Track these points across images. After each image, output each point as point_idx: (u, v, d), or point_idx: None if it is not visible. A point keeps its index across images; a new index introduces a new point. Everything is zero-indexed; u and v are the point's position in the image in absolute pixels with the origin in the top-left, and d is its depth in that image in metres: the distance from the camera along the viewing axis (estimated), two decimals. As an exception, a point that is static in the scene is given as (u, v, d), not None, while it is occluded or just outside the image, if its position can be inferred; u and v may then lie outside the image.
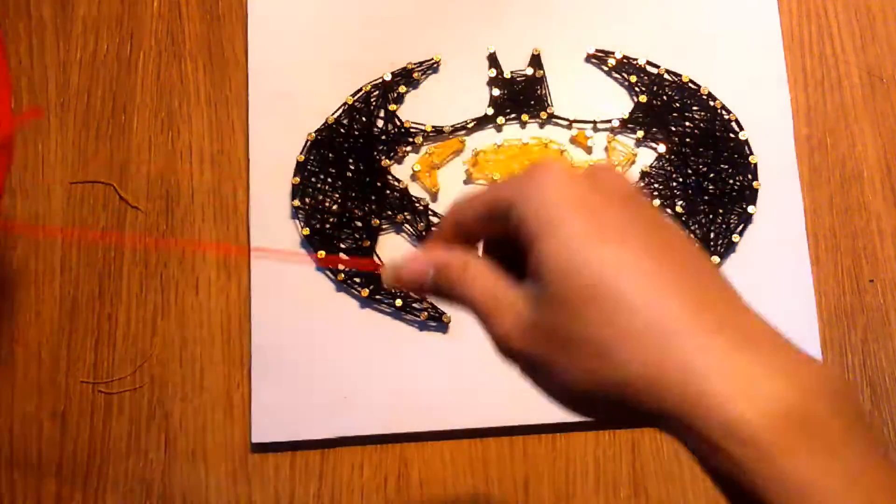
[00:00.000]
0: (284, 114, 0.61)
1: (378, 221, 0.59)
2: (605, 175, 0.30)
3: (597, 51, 0.62)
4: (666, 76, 0.61)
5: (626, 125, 0.60)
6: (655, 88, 0.61)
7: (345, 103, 0.61)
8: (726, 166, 0.60)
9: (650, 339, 0.26)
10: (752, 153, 0.60)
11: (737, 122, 0.60)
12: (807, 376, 0.26)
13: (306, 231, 0.59)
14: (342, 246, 0.59)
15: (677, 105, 0.61)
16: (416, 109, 0.61)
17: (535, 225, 0.29)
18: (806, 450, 0.24)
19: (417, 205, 0.59)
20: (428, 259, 0.33)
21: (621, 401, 0.27)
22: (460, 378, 0.57)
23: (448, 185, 0.60)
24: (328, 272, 0.58)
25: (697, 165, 0.60)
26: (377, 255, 0.59)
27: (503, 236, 0.32)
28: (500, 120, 0.60)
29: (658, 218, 0.30)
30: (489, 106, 0.61)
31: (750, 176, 0.59)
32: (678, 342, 0.26)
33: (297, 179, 0.59)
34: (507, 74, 0.61)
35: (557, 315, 0.28)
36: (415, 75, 0.61)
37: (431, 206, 0.60)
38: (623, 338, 0.27)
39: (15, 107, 0.62)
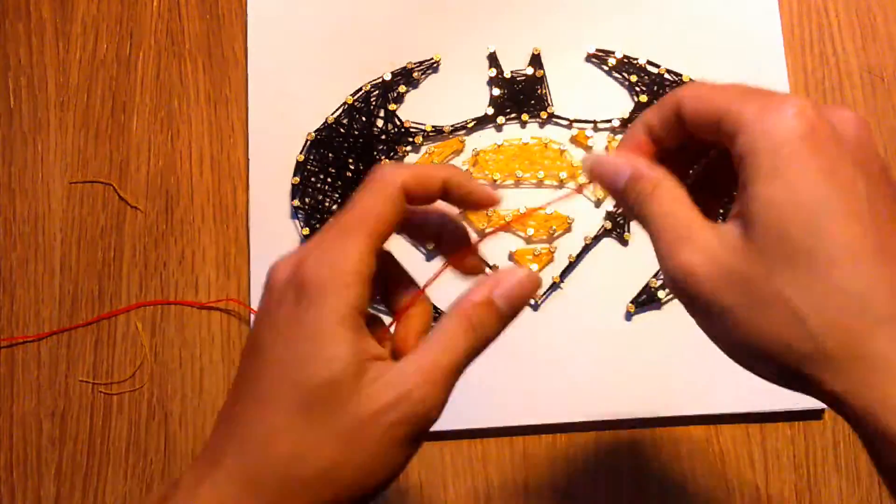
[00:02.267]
0: (284, 114, 0.61)
1: (378, 221, 0.59)
2: (848, 126, 0.28)
3: (597, 51, 0.62)
4: (666, 76, 0.61)
5: (627, 125, 0.60)
6: (656, 88, 0.61)
7: (345, 103, 0.61)
8: (726, 166, 0.60)
9: (853, 319, 0.26)
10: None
11: (737, 121, 0.60)
12: None
13: (306, 231, 0.59)
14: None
15: (677, 105, 0.61)
16: (416, 109, 0.61)
17: (769, 164, 0.27)
18: None
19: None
20: (625, 163, 0.31)
21: (799, 370, 0.27)
22: (460, 378, 0.57)
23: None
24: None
25: (698, 165, 0.60)
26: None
27: (695, 153, 0.31)
28: (500, 120, 0.60)
29: (889, 184, 0.28)
30: (489, 106, 0.61)
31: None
32: (881, 332, 0.26)
33: (297, 179, 0.59)
34: (507, 74, 0.61)
35: (762, 266, 0.27)
36: (415, 75, 0.61)
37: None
38: (826, 310, 0.26)
39: (14, 106, 0.62)
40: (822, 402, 0.27)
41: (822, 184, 0.26)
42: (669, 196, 0.30)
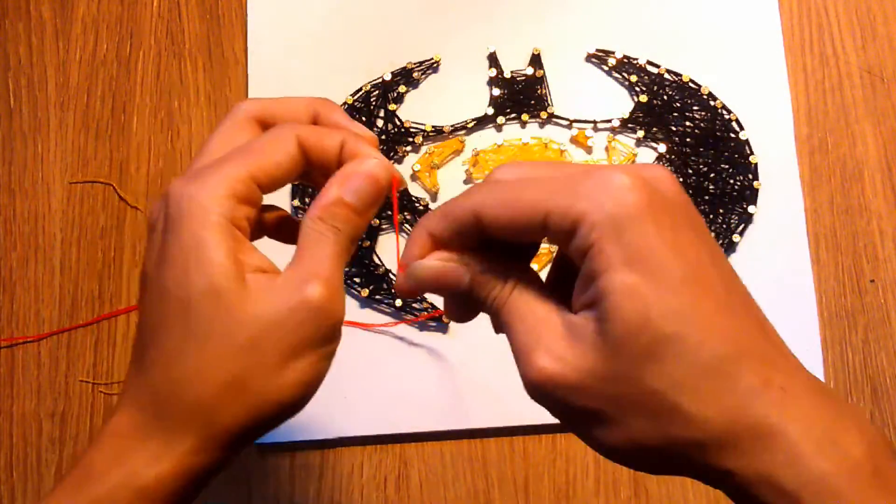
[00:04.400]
0: (284, 114, 0.61)
1: (378, 221, 0.59)
2: (667, 185, 0.27)
3: (597, 51, 0.62)
4: (666, 76, 0.61)
5: (627, 125, 0.60)
6: (656, 88, 0.61)
7: (345, 103, 0.61)
8: (727, 166, 0.60)
9: (732, 399, 0.25)
10: (752, 153, 0.60)
11: (737, 121, 0.60)
12: (866, 425, 0.26)
13: (306, 231, 0.58)
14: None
15: (678, 105, 0.61)
16: (416, 109, 0.61)
17: (619, 251, 0.25)
18: (883, 498, 0.24)
19: (417, 205, 0.59)
20: (464, 263, 0.29)
21: (688, 458, 0.26)
22: (460, 378, 0.57)
23: (448, 185, 0.60)
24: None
25: (698, 165, 0.60)
26: (377, 256, 0.59)
27: (521, 243, 0.29)
28: (500, 120, 0.60)
29: (712, 241, 0.28)
30: (489, 106, 0.61)
31: (750, 176, 0.59)
32: (759, 402, 0.25)
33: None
34: (507, 74, 0.61)
35: (626, 363, 0.25)
36: (415, 75, 0.61)
37: (431, 206, 0.60)
38: (704, 397, 0.25)
39: (14, 106, 0.62)
40: (710, 482, 0.26)
41: (673, 260, 0.25)
42: (523, 300, 0.28)
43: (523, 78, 0.61)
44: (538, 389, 0.27)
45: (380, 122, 0.61)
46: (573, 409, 0.27)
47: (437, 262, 0.29)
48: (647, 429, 0.26)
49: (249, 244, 0.30)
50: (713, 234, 0.59)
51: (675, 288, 0.25)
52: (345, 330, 0.57)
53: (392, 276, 0.58)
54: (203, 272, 0.28)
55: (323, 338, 0.30)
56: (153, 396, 0.29)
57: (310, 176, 0.33)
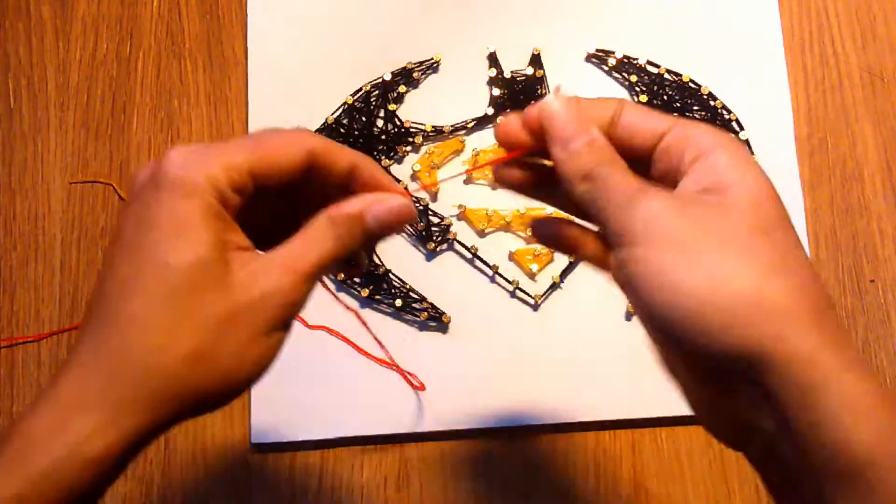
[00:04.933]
0: (284, 114, 0.61)
1: (378, 221, 0.59)
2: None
3: (597, 51, 0.62)
4: (666, 76, 0.61)
5: (627, 125, 0.60)
6: (656, 88, 0.61)
7: (345, 103, 0.61)
8: (726, 166, 0.60)
9: (816, 291, 0.28)
10: (752, 153, 0.60)
11: (737, 121, 0.60)
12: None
13: (306, 231, 0.58)
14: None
15: (678, 105, 0.61)
16: (416, 109, 0.61)
17: (735, 162, 0.30)
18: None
19: (417, 205, 0.59)
20: (591, 127, 0.32)
21: (755, 327, 0.27)
22: (460, 378, 0.57)
23: (448, 185, 0.60)
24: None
25: (698, 165, 0.60)
26: (377, 256, 0.59)
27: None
28: (500, 120, 0.60)
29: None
30: (489, 106, 0.61)
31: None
32: (830, 314, 0.28)
33: (297, 179, 0.59)
34: (507, 74, 0.61)
35: (730, 222, 0.29)
36: (415, 75, 0.61)
37: (431, 206, 0.60)
38: (795, 274, 0.28)
39: (14, 106, 0.62)
40: (760, 370, 0.27)
41: (777, 196, 0.31)
42: (627, 168, 0.31)
43: (523, 78, 0.61)
44: (643, 222, 0.29)
45: (380, 122, 0.61)
46: (673, 239, 0.29)
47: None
48: (742, 275, 0.28)
49: (235, 225, 0.31)
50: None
51: (777, 198, 0.31)
52: (345, 330, 0.57)
53: (392, 276, 0.58)
54: (191, 244, 0.29)
55: (285, 325, 0.31)
56: (111, 361, 0.28)
57: (308, 184, 0.33)
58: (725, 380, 0.29)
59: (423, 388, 0.56)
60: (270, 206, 0.33)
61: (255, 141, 0.31)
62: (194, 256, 0.29)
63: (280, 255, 0.31)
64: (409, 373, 0.57)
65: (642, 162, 0.33)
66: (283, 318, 0.30)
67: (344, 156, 0.32)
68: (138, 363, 0.28)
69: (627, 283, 0.30)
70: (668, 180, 0.32)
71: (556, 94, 0.32)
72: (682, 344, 0.29)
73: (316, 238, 0.31)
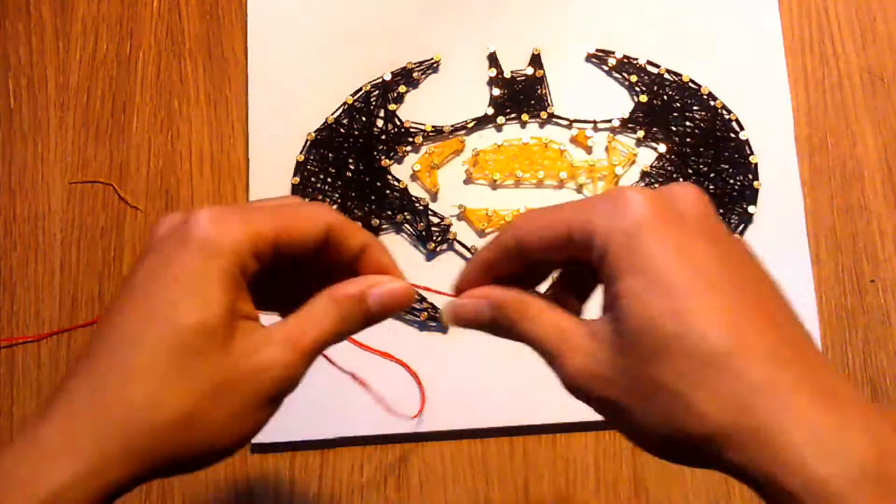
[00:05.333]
0: (284, 114, 0.61)
1: (378, 221, 0.59)
2: (686, 201, 0.29)
3: (597, 51, 0.62)
4: (666, 76, 0.61)
5: (627, 125, 0.60)
6: (656, 88, 0.61)
7: (345, 103, 0.61)
8: (727, 166, 0.60)
9: (734, 395, 0.26)
10: (752, 153, 0.60)
11: (737, 121, 0.60)
12: (880, 432, 0.26)
13: (306, 231, 0.58)
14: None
15: (678, 105, 0.61)
16: (416, 109, 0.61)
17: (624, 259, 0.28)
18: None
19: (417, 205, 0.59)
20: (481, 298, 0.33)
21: (701, 451, 0.27)
22: (460, 378, 0.57)
23: (448, 185, 0.60)
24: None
25: (698, 165, 0.60)
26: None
27: (559, 262, 0.32)
28: (500, 120, 0.60)
29: (738, 250, 0.29)
30: (489, 106, 0.61)
31: (750, 176, 0.59)
32: (762, 400, 0.26)
33: (297, 179, 0.59)
34: (507, 74, 0.61)
35: (637, 360, 0.27)
36: (415, 75, 0.61)
37: (431, 206, 0.60)
38: (706, 392, 0.26)
39: (14, 106, 0.62)
40: (733, 475, 0.27)
41: (675, 265, 0.27)
42: (537, 311, 0.31)
43: (523, 78, 0.61)
44: (574, 386, 0.30)
45: (380, 122, 0.61)
46: (604, 400, 0.29)
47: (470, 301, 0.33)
48: (661, 421, 0.27)
49: (248, 294, 0.31)
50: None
51: (676, 290, 0.27)
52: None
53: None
54: (201, 307, 0.29)
55: (277, 401, 0.31)
56: (104, 411, 0.28)
57: (318, 258, 0.33)
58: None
59: (421, 389, 0.56)
60: (281, 274, 0.33)
61: (280, 210, 0.31)
62: (205, 319, 0.28)
63: (282, 329, 0.31)
64: (411, 370, 0.56)
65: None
66: (277, 393, 0.30)
67: (358, 236, 0.33)
68: (129, 417, 0.28)
69: None
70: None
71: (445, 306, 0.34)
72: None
73: (317, 316, 0.32)
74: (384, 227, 0.59)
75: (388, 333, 0.57)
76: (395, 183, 0.60)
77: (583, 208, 0.30)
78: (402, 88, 0.61)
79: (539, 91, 0.61)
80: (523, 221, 0.31)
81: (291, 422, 0.56)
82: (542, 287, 0.35)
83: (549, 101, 0.61)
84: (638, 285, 0.27)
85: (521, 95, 0.61)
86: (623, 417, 0.29)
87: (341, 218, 0.33)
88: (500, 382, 0.57)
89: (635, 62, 0.61)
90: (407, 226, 0.59)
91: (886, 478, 0.25)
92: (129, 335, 0.29)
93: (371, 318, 0.33)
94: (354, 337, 0.31)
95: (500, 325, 0.32)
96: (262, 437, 0.56)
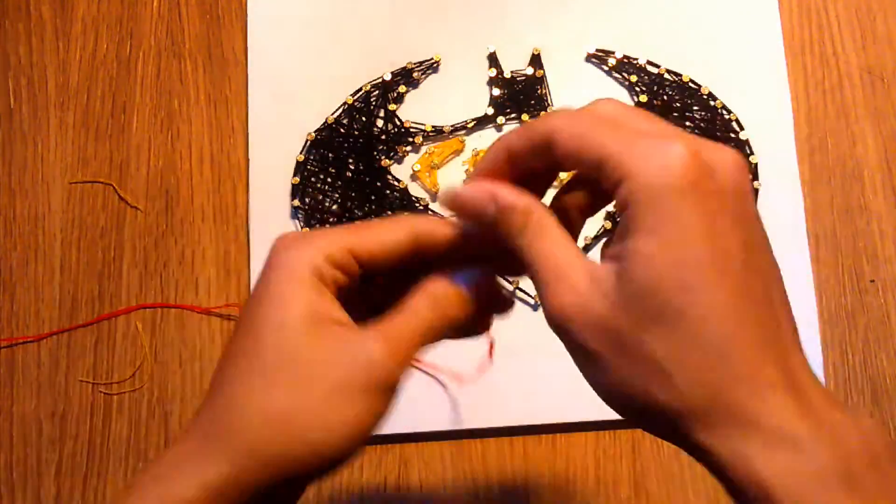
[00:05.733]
0: (284, 114, 0.61)
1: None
2: (725, 172, 0.28)
3: (597, 50, 0.62)
4: (666, 76, 0.61)
5: (627, 125, 0.60)
6: (656, 88, 0.61)
7: (345, 103, 0.61)
8: (726, 166, 0.60)
9: (717, 381, 0.26)
10: (752, 153, 0.60)
11: (737, 121, 0.60)
12: (848, 438, 0.26)
13: (306, 231, 0.59)
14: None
15: (678, 105, 0.61)
16: (416, 109, 0.61)
17: (650, 219, 0.27)
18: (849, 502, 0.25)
19: (417, 205, 0.59)
20: (491, 192, 0.31)
21: (669, 425, 0.27)
22: (461, 377, 0.57)
23: (448, 185, 0.60)
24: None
25: (698, 165, 0.60)
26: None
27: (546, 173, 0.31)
28: (500, 120, 0.60)
29: (759, 234, 0.29)
30: (489, 106, 0.61)
31: (750, 176, 0.59)
32: (742, 391, 0.26)
33: (297, 179, 0.59)
34: (507, 74, 0.61)
35: (632, 321, 0.27)
36: (415, 75, 0.61)
37: (431, 206, 0.60)
38: (691, 373, 0.26)
39: (14, 106, 0.62)
40: (691, 453, 0.27)
41: (699, 244, 0.26)
42: (544, 229, 0.30)
43: (523, 78, 0.61)
44: (557, 320, 0.29)
45: (380, 122, 0.61)
46: (582, 346, 0.28)
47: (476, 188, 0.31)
48: (639, 386, 0.27)
49: (332, 299, 0.31)
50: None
51: (692, 266, 0.26)
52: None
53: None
54: (278, 312, 0.30)
55: (372, 392, 0.30)
56: (204, 420, 0.30)
57: (420, 264, 0.34)
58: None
59: (459, 381, 0.56)
60: (386, 287, 0.34)
61: (357, 225, 0.33)
62: (280, 321, 0.30)
63: (370, 326, 0.31)
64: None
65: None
66: (362, 386, 0.30)
67: (443, 232, 0.33)
68: (224, 420, 0.30)
69: None
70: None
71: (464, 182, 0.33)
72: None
73: (413, 311, 0.32)
74: (384, 227, 0.59)
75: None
76: (395, 183, 0.60)
77: (623, 140, 0.28)
78: (402, 88, 0.61)
79: (539, 91, 0.61)
80: (559, 121, 0.30)
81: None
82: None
83: (549, 101, 0.61)
84: (654, 248, 0.26)
85: (521, 95, 0.61)
86: (598, 370, 0.28)
87: (427, 221, 0.33)
88: (500, 382, 0.57)
89: (635, 62, 0.61)
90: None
91: (852, 477, 0.25)
92: (228, 353, 0.31)
93: (469, 308, 0.32)
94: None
95: (500, 229, 0.30)
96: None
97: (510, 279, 0.58)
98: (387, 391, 0.31)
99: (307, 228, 0.59)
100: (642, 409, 0.27)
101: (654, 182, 0.27)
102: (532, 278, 0.30)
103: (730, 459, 0.26)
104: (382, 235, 0.32)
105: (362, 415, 0.30)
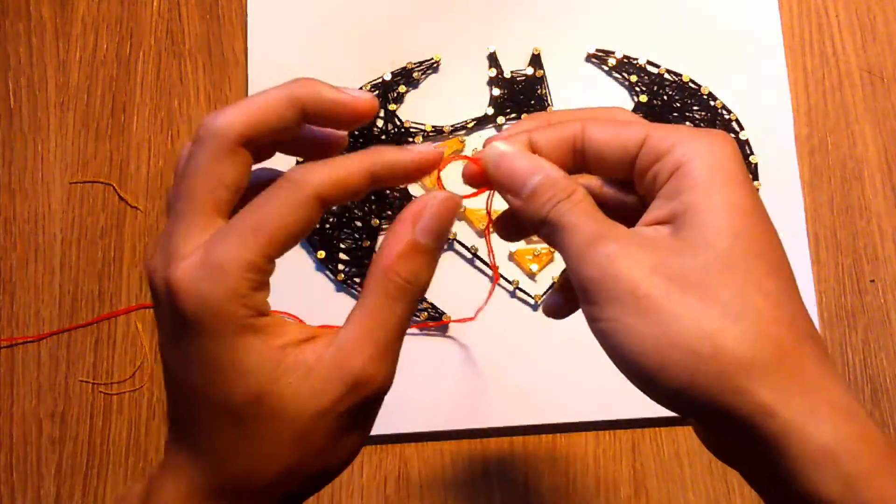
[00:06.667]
0: (284, 114, 0.61)
1: (378, 221, 0.59)
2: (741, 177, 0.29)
3: (597, 51, 0.62)
4: (666, 76, 0.61)
5: (627, 125, 0.60)
6: (656, 88, 0.61)
7: (345, 103, 0.60)
8: (726, 166, 0.60)
9: (785, 331, 0.26)
10: (752, 153, 0.60)
11: (737, 121, 0.60)
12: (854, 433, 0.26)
13: (306, 231, 0.58)
14: (342, 246, 0.59)
15: (678, 105, 0.61)
16: (416, 109, 0.61)
17: (721, 174, 0.27)
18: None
19: (417, 205, 0.59)
20: (536, 166, 0.29)
21: (724, 376, 0.26)
22: (460, 378, 0.57)
23: (448, 185, 0.60)
24: (328, 272, 0.58)
25: (698, 165, 0.60)
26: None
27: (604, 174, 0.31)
28: (501, 120, 0.60)
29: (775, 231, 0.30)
30: (489, 106, 0.61)
31: (750, 176, 0.59)
32: (807, 347, 0.26)
33: (297, 179, 0.59)
34: (507, 74, 0.61)
35: (697, 264, 0.26)
36: (415, 75, 0.61)
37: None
38: (762, 318, 0.26)
39: (14, 106, 0.62)
40: (733, 421, 0.26)
41: (757, 207, 0.28)
42: (586, 203, 0.29)
43: (523, 78, 0.61)
44: (602, 269, 0.27)
45: (380, 122, 0.61)
46: (634, 290, 0.27)
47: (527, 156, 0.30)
48: (702, 329, 0.26)
49: (278, 325, 0.28)
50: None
51: (761, 228, 0.27)
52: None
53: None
54: (243, 382, 0.27)
55: (368, 409, 0.29)
56: (207, 480, 0.29)
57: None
58: (705, 421, 0.28)
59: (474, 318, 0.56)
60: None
61: (258, 221, 0.27)
62: (250, 392, 0.27)
63: (341, 338, 0.28)
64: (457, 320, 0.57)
65: (628, 183, 0.31)
66: (358, 413, 0.29)
67: (355, 177, 0.29)
68: (238, 486, 0.28)
69: (596, 337, 0.28)
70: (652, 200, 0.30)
71: (494, 142, 0.30)
72: (655, 395, 0.28)
73: (378, 302, 0.28)
74: (384, 227, 0.59)
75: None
76: (395, 183, 0.60)
77: (665, 128, 0.29)
78: (402, 88, 0.61)
79: (539, 91, 0.61)
80: (594, 117, 0.30)
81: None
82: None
83: (549, 101, 0.61)
84: (731, 200, 0.27)
85: (521, 95, 0.61)
86: (652, 320, 0.26)
87: (330, 177, 0.28)
88: (500, 383, 0.57)
89: (635, 62, 0.61)
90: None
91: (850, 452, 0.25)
92: (201, 421, 0.28)
93: (434, 254, 0.29)
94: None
95: (536, 201, 0.29)
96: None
97: (510, 280, 0.58)
98: (379, 401, 0.30)
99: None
100: (698, 360, 0.26)
101: (711, 150, 0.28)
102: (569, 243, 0.28)
103: (793, 421, 0.25)
104: (291, 225, 0.27)
105: (362, 434, 0.30)
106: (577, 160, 0.30)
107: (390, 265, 0.28)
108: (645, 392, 0.28)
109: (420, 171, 0.30)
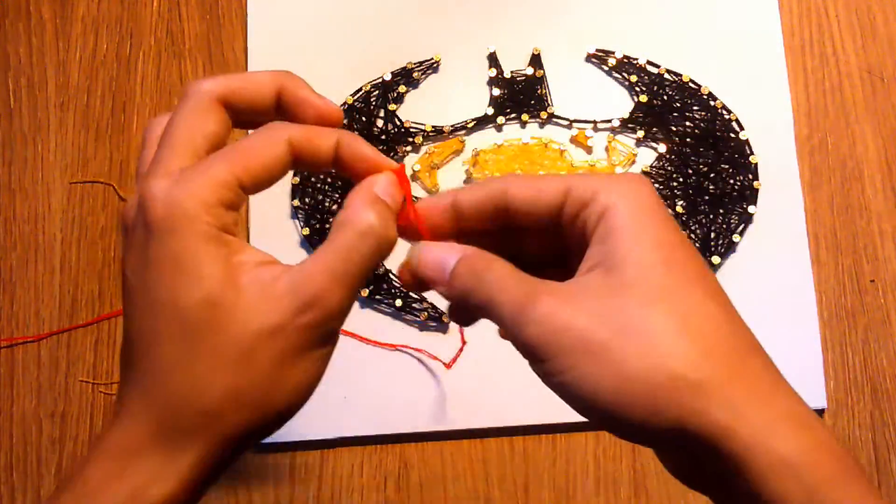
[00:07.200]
0: (284, 114, 0.61)
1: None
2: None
3: (597, 51, 0.62)
4: (666, 76, 0.61)
5: (627, 125, 0.60)
6: (656, 88, 0.61)
7: (345, 103, 0.61)
8: (727, 166, 0.60)
9: (731, 346, 0.27)
10: (752, 153, 0.60)
11: (737, 121, 0.60)
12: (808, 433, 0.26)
13: (306, 231, 0.59)
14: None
15: (678, 105, 0.61)
16: (416, 109, 0.61)
17: (639, 219, 0.28)
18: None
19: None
20: (450, 251, 0.30)
21: (681, 404, 0.26)
22: (460, 378, 0.57)
23: (448, 185, 0.60)
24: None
25: (698, 165, 0.60)
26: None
27: (529, 229, 0.31)
28: (500, 120, 0.60)
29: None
30: (489, 106, 0.61)
31: (750, 176, 0.59)
32: (754, 358, 0.27)
33: (297, 179, 0.59)
34: (507, 74, 0.61)
35: (635, 301, 0.27)
36: (415, 75, 0.61)
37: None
38: (706, 338, 0.27)
39: (14, 106, 0.62)
40: (694, 444, 0.26)
41: (683, 241, 0.29)
42: (507, 269, 0.29)
43: (523, 78, 0.61)
44: (541, 327, 0.27)
45: (380, 122, 0.61)
46: (580, 339, 0.27)
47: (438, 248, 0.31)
48: (652, 363, 0.26)
49: (241, 244, 0.29)
50: (714, 234, 0.59)
51: (684, 255, 0.28)
52: (347, 325, 0.57)
53: (392, 276, 0.58)
54: (197, 284, 0.28)
55: (319, 343, 0.30)
56: (153, 409, 0.28)
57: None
58: (671, 448, 0.29)
59: (448, 366, 0.56)
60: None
61: (231, 151, 0.29)
62: (203, 297, 0.28)
63: (300, 268, 0.29)
64: (430, 354, 0.57)
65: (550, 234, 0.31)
66: (307, 343, 0.29)
67: (324, 138, 0.31)
68: (179, 409, 0.28)
69: (555, 391, 0.29)
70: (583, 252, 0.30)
71: (411, 245, 0.31)
72: (622, 433, 0.28)
73: (337, 240, 0.30)
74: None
75: (388, 332, 0.57)
76: (395, 183, 0.60)
77: (585, 176, 0.30)
78: (402, 88, 0.61)
79: (539, 91, 0.61)
80: (515, 179, 0.31)
81: (291, 422, 0.56)
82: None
83: (549, 101, 0.61)
84: (653, 236, 0.28)
85: (521, 95, 0.61)
86: (598, 361, 0.27)
87: (301, 128, 0.31)
88: (500, 382, 0.57)
89: (635, 62, 0.61)
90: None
91: (855, 459, 0.26)
92: (145, 334, 0.29)
93: (392, 212, 0.31)
94: (362, 334, 0.31)
95: (458, 279, 0.30)
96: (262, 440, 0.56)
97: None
98: (332, 336, 0.30)
99: (307, 229, 0.59)
100: (656, 392, 0.26)
101: (631, 190, 0.29)
102: (501, 309, 0.29)
103: (752, 437, 0.25)
104: (264, 157, 0.30)
105: (310, 369, 0.30)
106: (502, 217, 0.31)
107: (352, 211, 0.30)
108: (612, 431, 0.28)
109: (320, 117, 0.32)
